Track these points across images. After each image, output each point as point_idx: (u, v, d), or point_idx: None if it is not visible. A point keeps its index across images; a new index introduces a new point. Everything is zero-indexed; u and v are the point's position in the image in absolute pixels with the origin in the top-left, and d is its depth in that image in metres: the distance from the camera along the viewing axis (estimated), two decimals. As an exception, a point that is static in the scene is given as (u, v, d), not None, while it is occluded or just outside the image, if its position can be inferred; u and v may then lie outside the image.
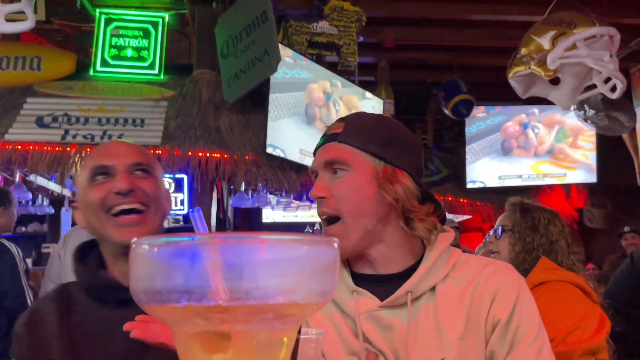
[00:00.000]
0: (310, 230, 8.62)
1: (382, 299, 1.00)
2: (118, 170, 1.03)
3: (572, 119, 6.00)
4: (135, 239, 0.44)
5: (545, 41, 3.85)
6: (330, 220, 1.00)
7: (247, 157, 4.04)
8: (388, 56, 5.77)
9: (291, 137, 4.23)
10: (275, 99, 4.10)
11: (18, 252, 2.90)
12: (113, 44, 4.63)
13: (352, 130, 1.01)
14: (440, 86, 5.93)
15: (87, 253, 1.09)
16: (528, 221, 1.87)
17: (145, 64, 4.63)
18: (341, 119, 1.06)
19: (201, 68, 4.49)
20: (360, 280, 1.03)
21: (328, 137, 1.03)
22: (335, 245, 0.45)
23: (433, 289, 1.00)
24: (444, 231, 1.05)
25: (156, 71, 4.62)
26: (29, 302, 2.76)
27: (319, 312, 0.97)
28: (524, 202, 1.96)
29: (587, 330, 1.62)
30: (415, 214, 1.00)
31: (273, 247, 0.41)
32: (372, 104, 5.16)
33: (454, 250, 1.06)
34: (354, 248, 1.00)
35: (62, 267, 2.90)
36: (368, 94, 5.14)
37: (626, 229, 5.05)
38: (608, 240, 6.31)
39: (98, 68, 4.56)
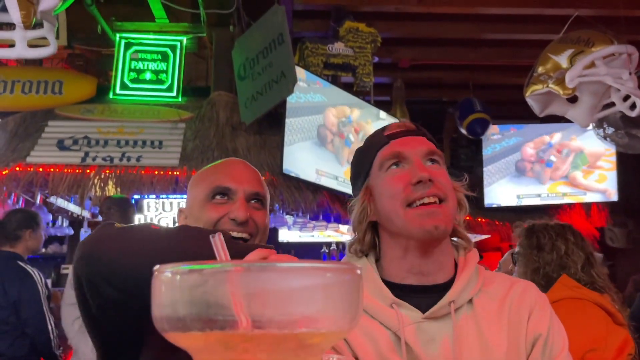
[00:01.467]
0: (327, 250, 8.59)
1: (422, 311, 0.99)
2: (239, 197, 1.05)
3: (592, 145, 5.95)
4: (157, 265, 0.44)
5: (562, 59, 3.83)
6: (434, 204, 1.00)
7: (263, 178, 4.05)
8: (403, 76, 5.79)
9: (306, 160, 4.24)
10: (290, 124, 4.12)
11: (40, 278, 2.93)
12: (132, 67, 4.72)
13: (426, 133, 1.09)
14: (455, 105, 5.93)
15: None
16: (533, 242, 1.89)
17: (164, 87, 4.70)
18: (403, 122, 1.12)
19: (219, 90, 4.54)
20: (399, 291, 1.01)
21: (412, 132, 1.07)
22: (358, 272, 0.45)
23: (470, 301, 1.01)
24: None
25: (174, 94, 4.69)
26: (49, 327, 2.78)
27: (360, 327, 0.98)
28: (530, 224, 1.98)
29: (608, 351, 1.58)
30: (460, 224, 1.05)
31: (296, 276, 0.41)
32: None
33: (479, 266, 1.08)
34: (445, 232, 1.00)
35: None
36: (382, 114, 5.15)
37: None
38: (631, 260, 6.18)
39: (117, 91, 4.65)
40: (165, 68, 4.74)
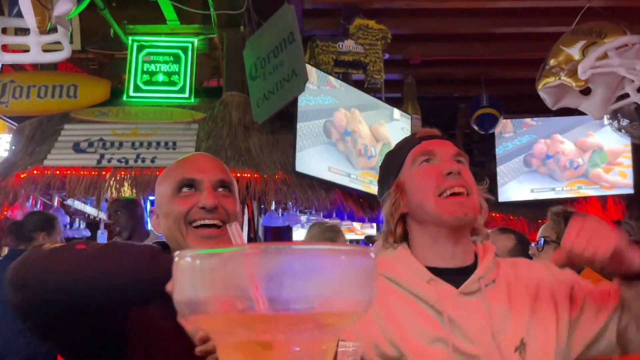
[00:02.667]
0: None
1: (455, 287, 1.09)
2: (205, 186, 1.08)
3: (611, 142, 5.87)
4: (178, 252, 0.46)
5: (574, 51, 3.80)
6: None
7: (277, 177, 4.08)
8: (414, 72, 5.78)
9: (318, 161, 4.26)
10: (301, 128, 4.14)
11: None
12: (145, 70, 4.77)
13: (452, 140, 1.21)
14: (468, 101, 5.91)
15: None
16: None
17: (176, 88, 4.75)
18: (432, 129, 1.24)
19: (231, 90, 4.57)
20: (432, 272, 1.10)
21: (440, 136, 1.19)
22: (372, 255, 0.46)
23: (493, 281, 1.11)
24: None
25: (187, 95, 4.73)
26: None
27: (392, 303, 1.07)
28: (567, 210, 1.95)
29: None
30: (480, 224, 1.15)
31: (312, 257, 0.42)
32: (400, 125, 5.17)
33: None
34: (473, 219, 1.10)
35: None
36: (396, 114, 5.14)
37: (667, 241, 4.88)
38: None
39: (131, 93, 4.70)
40: (177, 69, 4.78)
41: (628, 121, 5.03)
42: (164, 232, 1.11)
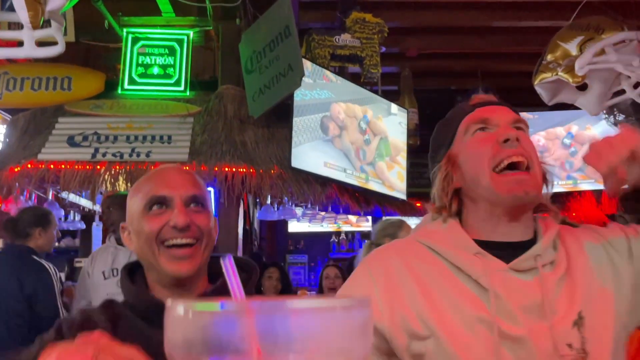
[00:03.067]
0: (336, 240, 8.61)
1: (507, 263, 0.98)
2: (176, 203, 1.03)
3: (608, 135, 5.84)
4: (170, 300, 0.45)
5: (572, 47, 3.79)
6: (515, 166, 0.98)
7: (272, 171, 4.06)
8: (411, 65, 5.75)
9: (313, 156, 4.24)
10: (296, 123, 4.11)
11: (55, 273, 2.97)
12: (140, 62, 4.73)
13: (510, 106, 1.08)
14: (464, 94, 5.89)
15: (134, 273, 1.10)
16: None
17: (172, 81, 4.71)
18: (487, 95, 1.13)
19: (226, 83, 4.54)
20: (483, 246, 1.00)
21: (496, 102, 1.07)
22: (367, 305, 0.45)
23: (552, 263, 0.99)
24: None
25: (182, 88, 4.70)
26: None
27: (429, 274, 0.98)
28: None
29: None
30: (547, 199, 1.05)
31: (306, 314, 0.42)
32: (397, 120, 5.15)
33: None
34: (535, 198, 1.00)
35: (91, 284, 2.96)
36: (393, 109, 5.13)
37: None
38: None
39: (126, 86, 4.66)
40: (172, 62, 4.74)
41: (624, 116, 5.04)
42: (136, 251, 1.07)
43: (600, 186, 6.22)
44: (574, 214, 5.68)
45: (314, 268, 8.29)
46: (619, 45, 3.54)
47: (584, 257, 1.01)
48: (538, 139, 6.37)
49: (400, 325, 0.95)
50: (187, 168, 4.00)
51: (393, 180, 4.96)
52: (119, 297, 1.09)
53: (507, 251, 0.98)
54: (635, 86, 3.54)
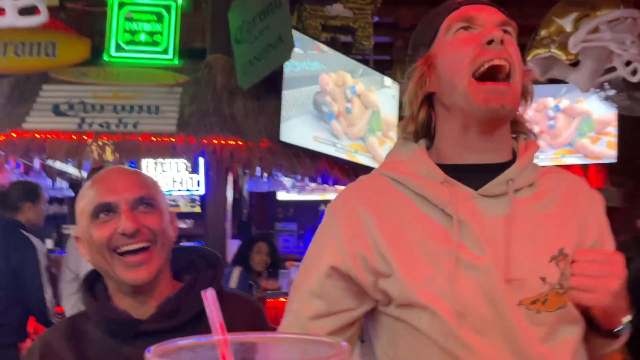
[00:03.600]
0: (325, 208, 8.65)
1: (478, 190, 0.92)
2: (122, 208, 0.99)
3: (601, 110, 5.77)
4: (148, 352, 0.44)
5: (567, 23, 3.76)
6: (496, 71, 0.90)
7: (261, 145, 4.04)
8: (404, 35, 5.68)
9: (303, 131, 4.21)
10: (286, 96, 4.04)
11: (42, 247, 2.97)
12: (126, 28, 4.61)
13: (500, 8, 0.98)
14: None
15: (94, 283, 1.07)
16: None
17: (159, 49, 4.60)
18: None
19: (215, 52, 4.45)
20: (454, 172, 0.93)
21: (485, 2, 0.97)
22: (344, 345, 0.45)
23: (531, 185, 0.94)
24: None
25: (170, 56, 4.59)
26: (46, 298, 2.84)
27: (391, 208, 0.93)
28: None
29: None
30: (523, 115, 0.99)
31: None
32: (391, 93, 5.10)
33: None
34: (511, 112, 0.93)
35: (80, 255, 2.96)
36: (387, 81, 5.07)
37: (644, 210, 4.96)
38: (629, 220, 6.22)
39: (112, 53, 4.55)
40: (160, 29, 4.62)
41: (615, 91, 5.03)
42: (91, 262, 1.04)
43: (588, 161, 6.25)
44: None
45: (303, 236, 8.36)
46: (614, 22, 3.51)
47: (574, 196, 0.97)
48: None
49: (361, 265, 0.91)
50: (175, 140, 3.97)
51: (384, 155, 4.94)
52: None
53: (479, 175, 0.93)
54: (627, 64, 3.54)
